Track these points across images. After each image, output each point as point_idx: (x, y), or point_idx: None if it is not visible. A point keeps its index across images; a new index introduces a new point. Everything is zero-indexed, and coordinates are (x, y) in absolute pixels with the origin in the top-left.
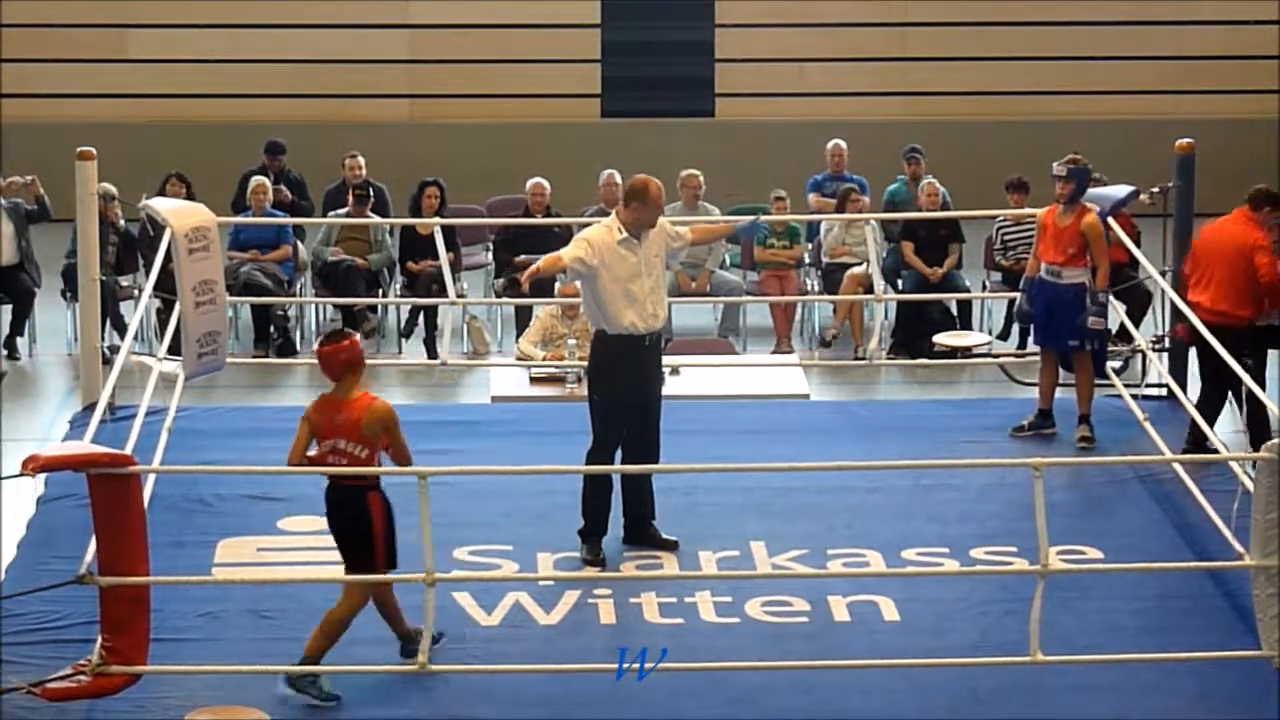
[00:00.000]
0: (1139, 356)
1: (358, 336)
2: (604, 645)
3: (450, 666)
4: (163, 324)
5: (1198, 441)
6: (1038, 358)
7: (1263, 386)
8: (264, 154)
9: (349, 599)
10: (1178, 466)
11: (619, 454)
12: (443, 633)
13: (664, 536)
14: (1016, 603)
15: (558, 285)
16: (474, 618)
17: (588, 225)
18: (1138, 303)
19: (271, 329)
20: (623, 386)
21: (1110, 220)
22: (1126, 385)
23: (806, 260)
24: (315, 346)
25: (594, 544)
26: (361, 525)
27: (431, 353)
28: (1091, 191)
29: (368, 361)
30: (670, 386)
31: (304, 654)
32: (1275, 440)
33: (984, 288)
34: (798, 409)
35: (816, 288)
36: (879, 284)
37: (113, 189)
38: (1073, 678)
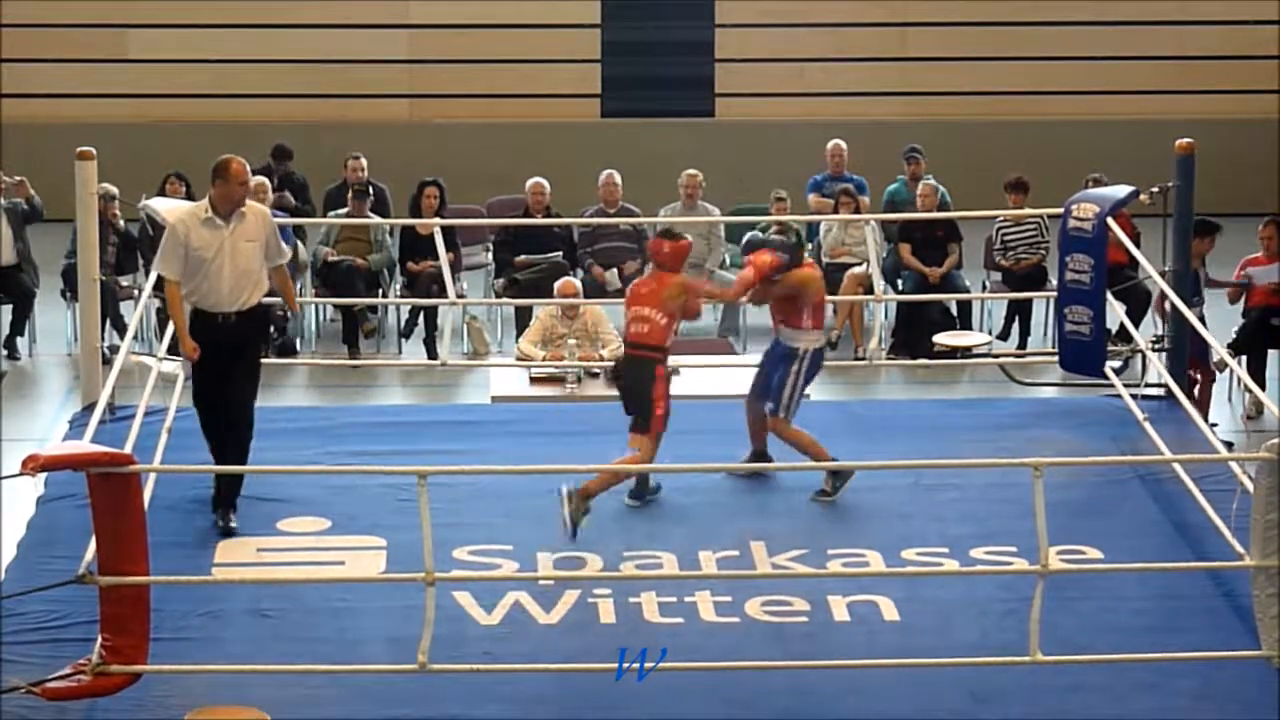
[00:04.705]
0: (1139, 356)
1: (682, 242)
2: (604, 645)
3: (450, 666)
4: (163, 324)
5: None
6: (1038, 358)
7: None
8: (270, 158)
9: (643, 453)
10: (1178, 466)
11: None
12: None
13: (230, 525)
14: (1016, 603)
15: (556, 285)
16: (474, 617)
17: (587, 225)
18: (1137, 303)
19: (271, 329)
20: (210, 357)
21: (1110, 220)
22: (1126, 385)
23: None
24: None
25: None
26: (645, 388)
27: (431, 353)
28: (1091, 192)
29: (371, 362)
30: (670, 386)
31: (583, 488)
32: (1275, 440)
33: (984, 288)
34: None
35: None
36: (879, 284)
37: (113, 189)
38: (1073, 678)
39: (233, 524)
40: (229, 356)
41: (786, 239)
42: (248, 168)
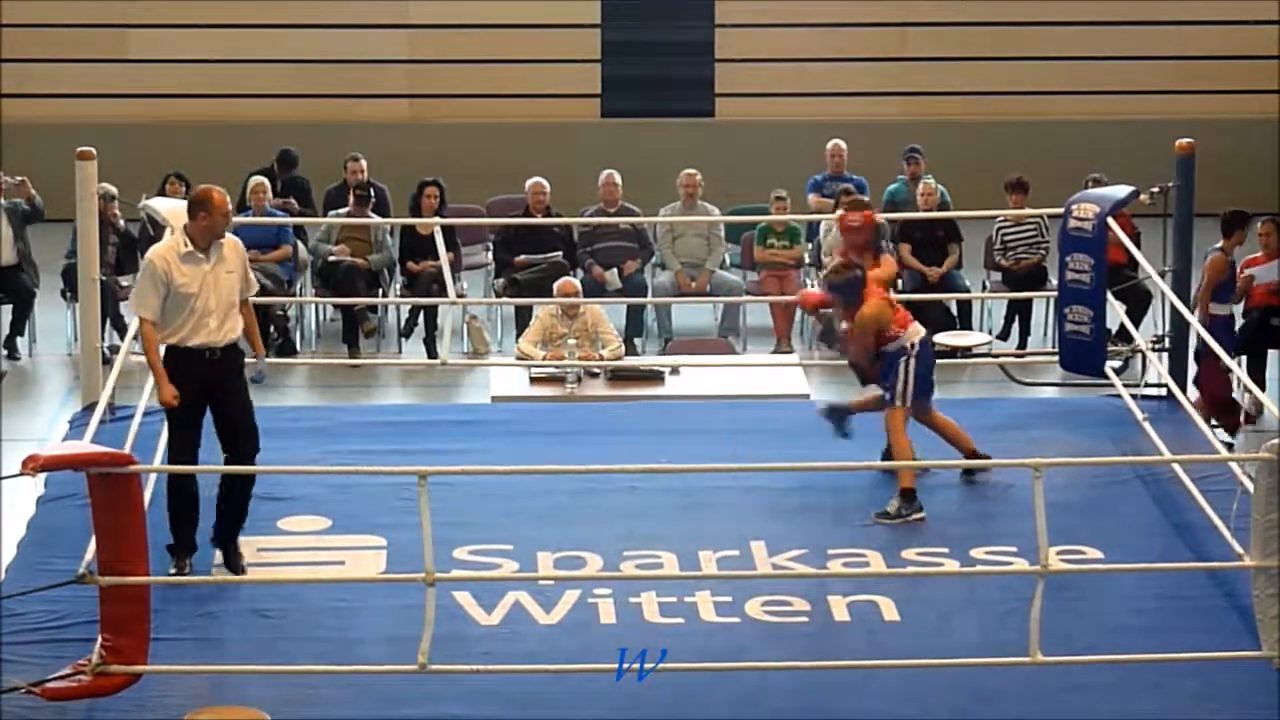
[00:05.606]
0: (1139, 356)
1: (871, 215)
2: (604, 645)
3: (450, 666)
4: None
5: None
6: (1038, 358)
7: None
8: (275, 164)
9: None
10: (1177, 467)
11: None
12: None
13: (240, 565)
14: (1016, 603)
15: (556, 285)
16: (474, 618)
17: (587, 225)
18: (1137, 303)
19: (271, 329)
20: (192, 399)
21: (1110, 220)
22: (1126, 385)
23: (806, 260)
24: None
25: (181, 558)
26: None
27: (431, 353)
28: (1091, 192)
29: (371, 362)
30: (670, 386)
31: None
32: (1275, 440)
33: (984, 288)
34: (798, 409)
35: (816, 288)
36: None
37: (113, 189)
38: (1073, 678)
39: (244, 564)
40: (219, 392)
41: (839, 278)
42: (229, 198)
